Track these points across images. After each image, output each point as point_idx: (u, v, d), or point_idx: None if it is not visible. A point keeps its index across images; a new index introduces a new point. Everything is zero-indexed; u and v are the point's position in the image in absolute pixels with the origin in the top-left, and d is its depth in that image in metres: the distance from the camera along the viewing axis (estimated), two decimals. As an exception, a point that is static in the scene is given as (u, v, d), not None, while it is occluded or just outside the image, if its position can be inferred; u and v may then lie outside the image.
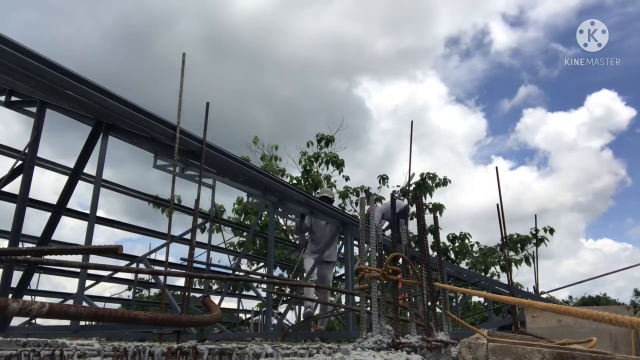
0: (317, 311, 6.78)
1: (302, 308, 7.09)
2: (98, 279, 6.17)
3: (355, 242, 6.56)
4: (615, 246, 77.95)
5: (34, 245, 4.54)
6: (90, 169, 4.56)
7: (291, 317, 9.30)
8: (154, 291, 11.67)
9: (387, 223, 8.07)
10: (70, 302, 5.02)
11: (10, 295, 3.96)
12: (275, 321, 6.55)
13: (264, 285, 6.02)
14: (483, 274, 11.27)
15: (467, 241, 12.52)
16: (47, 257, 3.34)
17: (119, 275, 7.01)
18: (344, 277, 7.35)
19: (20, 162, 4.04)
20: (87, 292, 4.93)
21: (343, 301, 7.31)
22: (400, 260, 2.53)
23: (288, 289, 9.14)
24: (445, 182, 12.37)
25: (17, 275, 4.07)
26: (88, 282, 5.22)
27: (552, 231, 11.49)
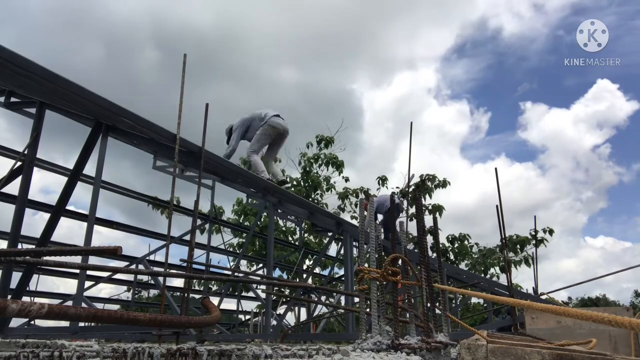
0: (316, 312, 6.77)
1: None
2: (97, 280, 6.17)
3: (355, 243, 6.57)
4: (614, 244, 78.08)
5: (33, 246, 4.53)
6: (88, 170, 4.56)
7: (290, 318, 9.31)
8: (153, 292, 11.67)
9: (380, 217, 8.13)
10: (70, 303, 5.02)
11: (9, 297, 3.95)
12: (274, 322, 6.55)
13: (263, 287, 6.01)
14: (482, 275, 11.29)
15: (466, 242, 12.57)
16: (46, 258, 3.33)
17: (118, 276, 7.01)
18: (343, 278, 7.35)
19: (19, 163, 4.03)
20: (86, 293, 4.93)
21: (342, 302, 7.30)
22: (400, 262, 2.53)
23: (287, 290, 9.14)
24: (445, 183, 12.40)
25: (16, 276, 4.07)
26: (87, 283, 5.22)
27: (551, 232, 11.53)
